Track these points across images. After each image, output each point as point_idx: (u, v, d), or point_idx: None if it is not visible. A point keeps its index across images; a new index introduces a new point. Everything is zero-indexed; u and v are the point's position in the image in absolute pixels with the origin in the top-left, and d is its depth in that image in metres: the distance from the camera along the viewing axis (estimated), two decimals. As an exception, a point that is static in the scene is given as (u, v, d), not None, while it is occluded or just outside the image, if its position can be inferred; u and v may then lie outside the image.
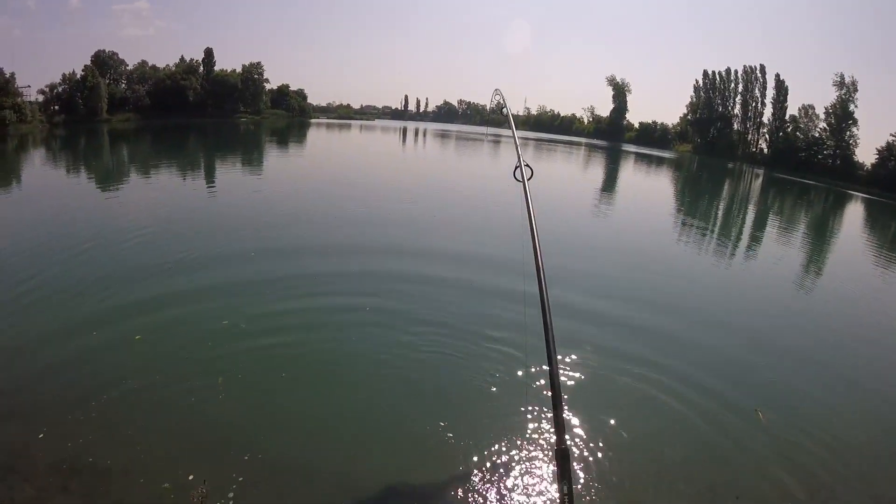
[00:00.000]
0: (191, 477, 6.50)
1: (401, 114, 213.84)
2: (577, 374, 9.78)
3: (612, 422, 8.49)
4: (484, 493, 6.71)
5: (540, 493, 6.75)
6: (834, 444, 8.49)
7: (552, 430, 3.28)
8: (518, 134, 5.94)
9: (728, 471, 7.68)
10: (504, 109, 6.26)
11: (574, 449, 7.59)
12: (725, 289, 17.37)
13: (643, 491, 6.94)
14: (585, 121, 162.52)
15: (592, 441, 7.81)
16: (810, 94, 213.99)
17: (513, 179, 4.62)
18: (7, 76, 68.32)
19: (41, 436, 7.10)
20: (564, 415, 3.26)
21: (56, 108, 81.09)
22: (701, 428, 8.64)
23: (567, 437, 3.18)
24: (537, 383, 9.26)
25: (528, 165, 4.11)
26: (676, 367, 10.53)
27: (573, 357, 10.33)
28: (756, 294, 16.91)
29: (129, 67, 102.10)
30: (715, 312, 14.33)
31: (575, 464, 7.26)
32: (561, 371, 9.46)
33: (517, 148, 4.74)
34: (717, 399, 9.49)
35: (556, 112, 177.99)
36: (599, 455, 7.52)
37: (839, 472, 7.88)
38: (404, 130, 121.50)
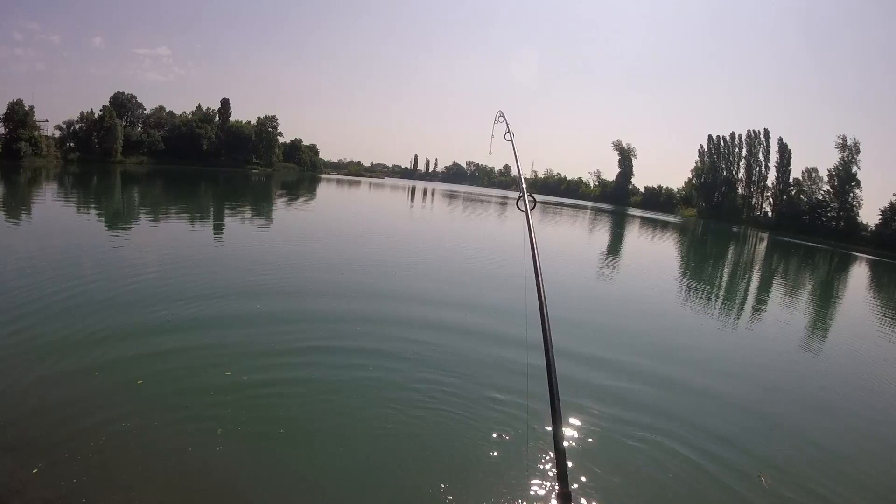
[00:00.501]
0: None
1: (410, 173, 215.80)
2: (579, 428, 9.78)
3: (612, 480, 8.40)
4: None
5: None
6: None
7: (555, 480, 3.40)
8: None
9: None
10: (507, 135, 6.16)
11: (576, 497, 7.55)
12: (730, 350, 17.30)
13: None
14: (591, 184, 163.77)
15: (593, 495, 7.83)
16: (813, 155, 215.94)
17: (516, 214, 4.70)
18: (27, 109, 69.51)
19: (35, 471, 7.10)
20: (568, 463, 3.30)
21: (71, 144, 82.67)
22: (702, 491, 8.58)
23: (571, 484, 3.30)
24: (540, 436, 9.19)
25: (531, 197, 4.28)
26: (679, 427, 10.48)
27: (575, 410, 10.32)
28: (761, 355, 16.86)
29: (147, 111, 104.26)
30: (719, 373, 14.20)
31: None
32: (563, 424, 9.57)
33: (521, 178, 4.87)
34: (719, 462, 9.40)
35: (562, 175, 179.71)
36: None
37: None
38: (413, 189, 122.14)
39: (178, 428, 8.60)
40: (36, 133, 70.91)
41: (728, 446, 10.02)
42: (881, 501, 9.01)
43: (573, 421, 10.08)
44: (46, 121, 78.79)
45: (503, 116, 6.42)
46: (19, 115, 68.27)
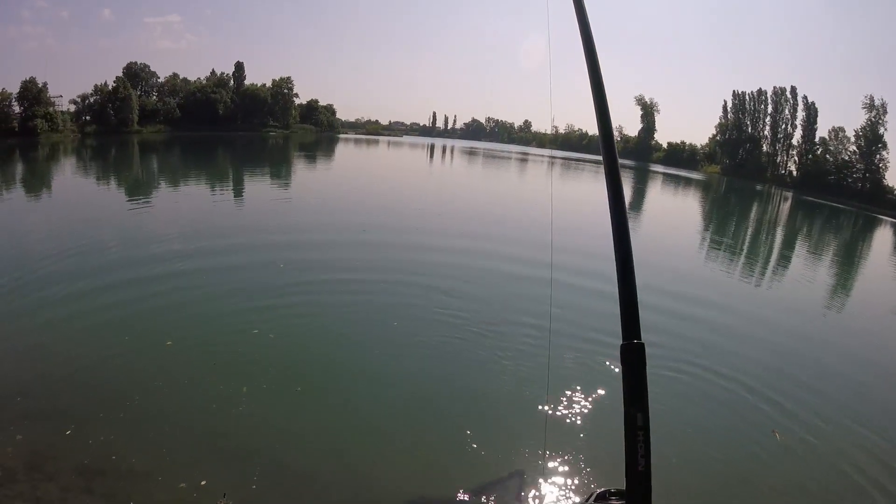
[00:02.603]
0: (204, 482, 6.59)
1: (429, 130, 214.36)
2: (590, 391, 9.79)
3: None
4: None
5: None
6: (850, 466, 8.46)
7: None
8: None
9: (746, 493, 7.66)
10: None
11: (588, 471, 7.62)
12: (751, 309, 17.19)
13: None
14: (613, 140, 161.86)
15: (611, 462, 7.70)
16: (840, 116, 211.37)
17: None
18: (40, 86, 69.56)
19: (68, 432, 7.25)
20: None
21: (87, 118, 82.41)
22: (717, 447, 8.68)
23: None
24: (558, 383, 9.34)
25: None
26: (693, 387, 10.61)
27: (583, 374, 10.42)
28: (780, 314, 16.80)
29: (161, 80, 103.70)
30: (737, 332, 14.22)
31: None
32: (567, 386, 9.60)
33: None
34: (736, 419, 9.54)
35: (584, 131, 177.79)
36: (619, 478, 7.41)
37: (847, 495, 7.86)
38: (432, 147, 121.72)
39: (206, 386, 8.79)
40: (51, 109, 70.89)
41: (744, 402, 10.16)
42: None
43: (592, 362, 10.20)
44: (61, 96, 78.64)
45: None
46: (33, 93, 68.29)
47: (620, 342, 2.50)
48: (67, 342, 9.90)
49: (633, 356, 2.43)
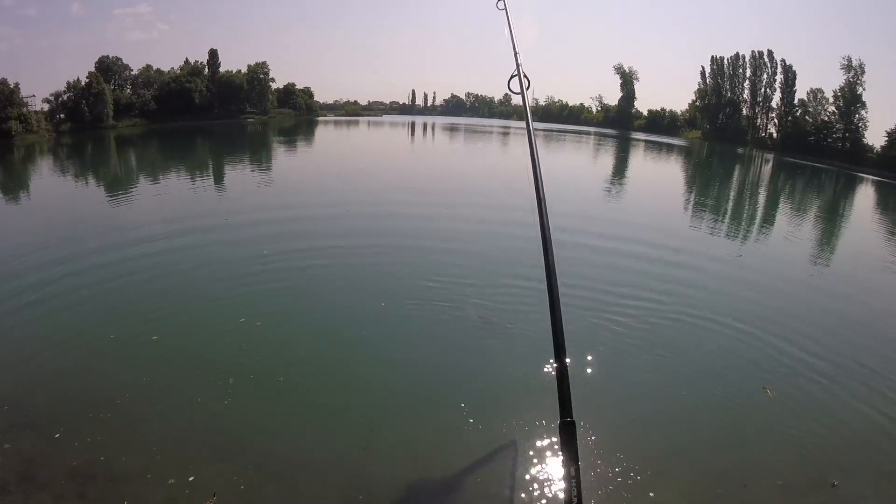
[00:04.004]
0: (192, 478, 6.58)
1: (409, 108, 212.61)
2: (586, 350, 9.98)
3: (621, 402, 8.67)
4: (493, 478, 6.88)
5: (547, 472, 6.90)
6: (841, 422, 8.56)
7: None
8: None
9: (736, 452, 7.71)
10: (499, 3, 5.69)
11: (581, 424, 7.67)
12: (735, 269, 17.33)
13: (650, 475, 6.92)
14: (594, 110, 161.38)
15: (599, 419, 7.88)
16: (818, 77, 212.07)
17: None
18: (11, 87, 68.46)
19: (57, 436, 7.20)
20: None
21: (62, 116, 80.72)
22: (709, 407, 8.80)
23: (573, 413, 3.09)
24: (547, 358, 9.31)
25: (526, 76, 3.83)
26: (685, 346, 10.83)
27: (581, 333, 10.61)
28: (765, 275, 16.88)
29: (134, 72, 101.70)
30: (723, 292, 14.38)
31: (580, 441, 7.33)
32: (568, 347, 9.62)
33: (516, 55, 4.45)
34: (725, 378, 9.62)
35: (564, 102, 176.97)
36: (606, 434, 7.60)
37: (846, 449, 7.95)
38: (412, 125, 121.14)
39: (193, 380, 8.79)
40: (24, 110, 69.58)
41: (732, 362, 10.33)
42: (886, 413, 9.00)
43: (578, 336, 10.15)
44: (33, 95, 76.68)
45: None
46: (5, 95, 66.93)
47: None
48: (49, 344, 9.77)
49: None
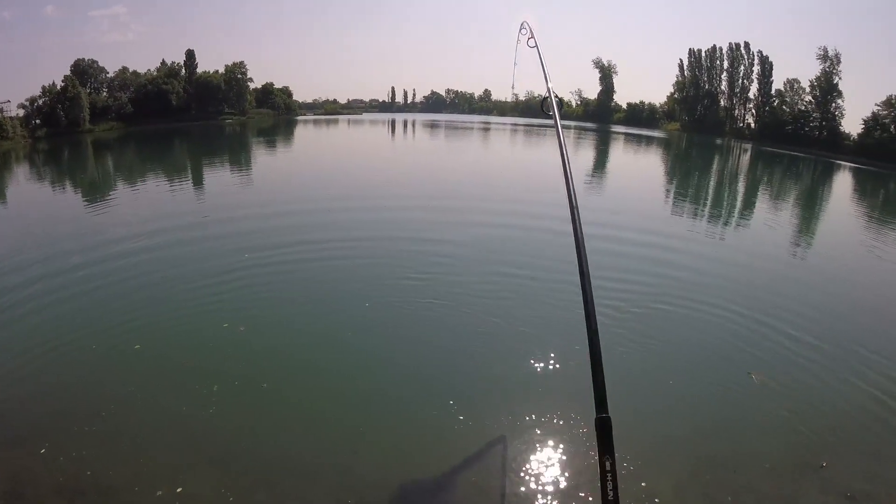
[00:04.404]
0: (180, 489, 6.50)
1: (388, 106, 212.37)
2: (574, 341, 9.83)
3: (609, 391, 8.62)
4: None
5: (537, 466, 6.93)
6: (829, 403, 8.68)
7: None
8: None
9: (726, 438, 7.76)
10: (530, 41, 5.71)
11: (572, 416, 7.84)
12: (718, 257, 17.60)
13: (641, 465, 6.92)
14: (574, 104, 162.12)
15: (589, 411, 7.81)
16: (795, 67, 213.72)
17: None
18: (-15, 93, 67.60)
19: (43, 451, 7.09)
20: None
21: (37, 121, 79.60)
22: (697, 394, 8.86)
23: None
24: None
25: (557, 97, 3.81)
26: (671, 334, 10.96)
27: (568, 324, 10.50)
28: (747, 261, 17.10)
29: (110, 75, 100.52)
30: (706, 280, 14.51)
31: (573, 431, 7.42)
32: (556, 338, 9.75)
33: (547, 80, 4.45)
34: (712, 365, 9.73)
35: (544, 96, 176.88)
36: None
37: (834, 429, 8.02)
38: (393, 122, 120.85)
39: (177, 388, 8.65)
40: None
41: (716, 349, 10.42)
42: (868, 393, 9.10)
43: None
44: (9, 101, 75.75)
45: (528, 27, 5.98)
46: (-22, 102, 66.17)
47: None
48: (30, 358, 9.59)
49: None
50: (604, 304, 11.84)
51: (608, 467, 2.17)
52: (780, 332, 11.14)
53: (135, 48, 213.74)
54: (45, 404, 8.28)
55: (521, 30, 6.08)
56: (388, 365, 9.54)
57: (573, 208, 2.93)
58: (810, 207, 32.22)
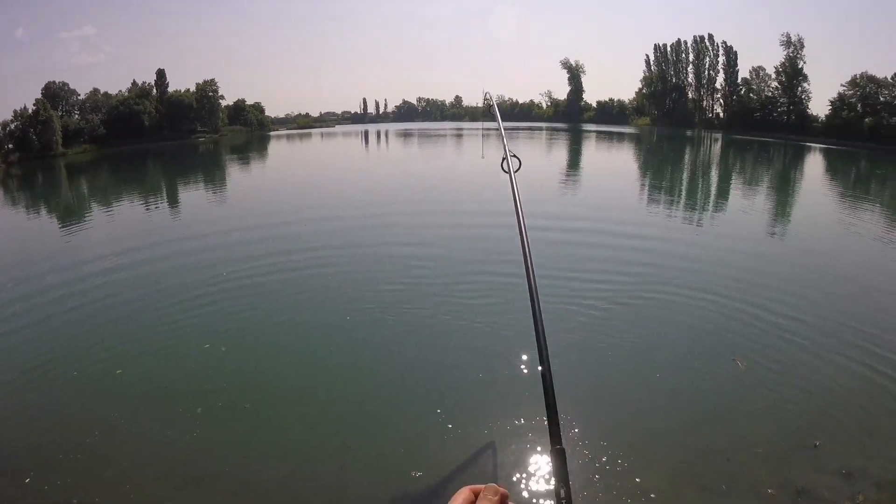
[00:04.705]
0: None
1: (361, 117, 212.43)
2: (561, 340, 10.10)
3: (599, 388, 8.74)
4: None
5: (527, 471, 6.89)
6: (817, 382, 8.76)
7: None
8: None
9: (716, 427, 7.77)
10: (492, 108, 6.01)
11: (563, 416, 7.70)
12: (695, 245, 17.76)
13: (634, 460, 6.95)
14: (544, 105, 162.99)
15: (579, 409, 7.97)
16: (759, 55, 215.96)
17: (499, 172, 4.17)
18: (-45, 119, 66.78)
19: (27, 480, 6.98)
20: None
21: (10, 146, 78.96)
22: (685, 384, 8.89)
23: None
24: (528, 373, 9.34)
25: (515, 156, 3.89)
26: (655, 325, 10.99)
27: (555, 322, 10.71)
28: (725, 247, 17.28)
29: (82, 97, 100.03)
30: (686, 268, 14.64)
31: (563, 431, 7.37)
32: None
33: (504, 140, 4.55)
34: (697, 353, 9.79)
35: (514, 100, 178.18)
36: (588, 424, 7.63)
37: (825, 408, 8.08)
38: (366, 133, 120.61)
39: (161, 412, 8.51)
40: (-30, 142, 67.99)
41: (700, 337, 10.51)
42: (854, 369, 9.18)
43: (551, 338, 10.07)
44: (-20, 126, 75.66)
45: (490, 95, 6.39)
46: (-48, 128, 65.35)
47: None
48: (12, 387, 9.49)
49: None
50: (585, 301, 11.98)
51: (563, 495, 2.13)
52: (762, 315, 11.23)
53: (105, 69, 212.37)
54: (28, 432, 8.18)
55: (484, 97, 6.46)
56: (371, 377, 9.45)
57: (521, 228, 2.87)
58: (784, 191, 32.57)
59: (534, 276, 2.54)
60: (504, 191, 3.53)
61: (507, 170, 3.72)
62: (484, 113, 5.99)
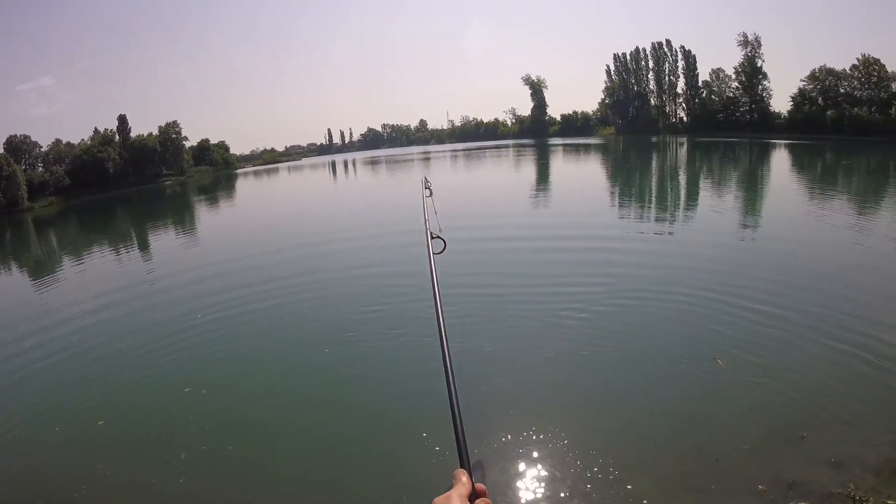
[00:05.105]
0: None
1: (327, 148, 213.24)
2: (545, 350, 10.14)
3: (585, 396, 8.71)
4: None
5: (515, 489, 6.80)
6: (801, 374, 8.73)
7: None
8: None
9: (702, 428, 7.71)
10: (428, 193, 5.92)
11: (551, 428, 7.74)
12: (669, 246, 18.02)
13: (624, 467, 6.87)
14: (509, 123, 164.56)
15: (567, 419, 7.92)
16: (718, 57, 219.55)
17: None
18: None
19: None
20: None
21: (-25, 204, 78.21)
22: (668, 387, 8.82)
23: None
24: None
25: (439, 237, 3.66)
26: (636, 329, 10.97)
27: (538, 332, 10.85)
28: (698, 246, 17.44)
29: (44, 148, 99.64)
30: (662, 270, 14.71)
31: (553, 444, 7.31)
32: (528, 347, 9.69)
33: (426, 222, 4.26)
34: (678, 356, 9.69)
35: (479, 120, 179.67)
36: (577, 433, 7.57)
37: (810, 399, 8.04)
38: (333, 164, 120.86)
39: (145, 460, 8.35)
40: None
41: (678, 338, 10.45)
42: (832, 362, 9.12)
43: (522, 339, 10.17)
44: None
45: (428, 181, 6.31)
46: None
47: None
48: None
49: None
50: (562, 311, 11.99)
51: None
52: (740, 312, 11.24)
53: (65, 118, 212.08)
54: (14, 491, 8.02)
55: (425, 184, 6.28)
56: (354, 408, 9.30)
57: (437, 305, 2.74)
58: (753, 188, 32.96)
59: (448, 351, 2.42)
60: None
61: (431, 251, 3.48)
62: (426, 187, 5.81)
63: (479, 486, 1.61)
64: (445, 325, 2.49)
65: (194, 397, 10.17)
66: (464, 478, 1.61)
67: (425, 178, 6.30)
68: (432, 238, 3.63)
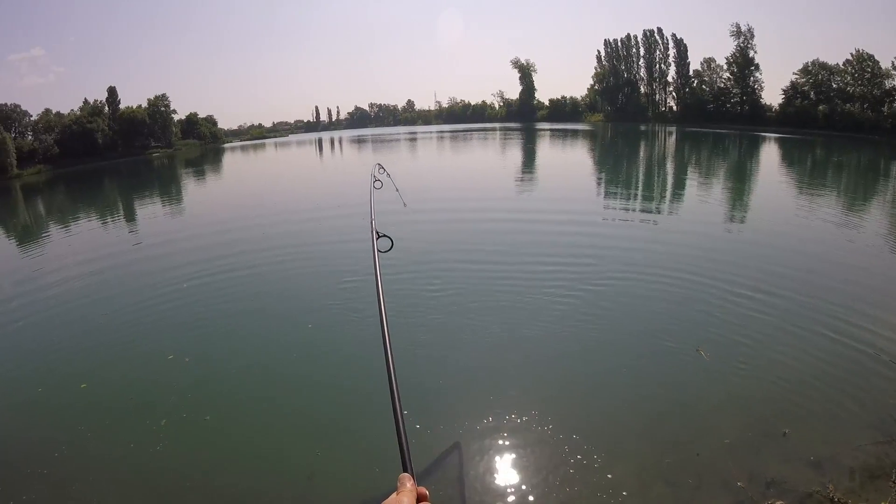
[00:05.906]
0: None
1: (314, 125, 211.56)
2: (529, 335, 10.19)
3: (567, 384, 8.75)
4: None
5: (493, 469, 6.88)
6: (785, 370, 8.76)
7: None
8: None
9: (684, 420, 7.76)
10: (376, 183, 5.63)
11: (534, 415, 7.80)
12: (656, 235, 18.17)
13: (605, 456, 6.91)
14: (497, 106, 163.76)
15: (549, 407, 7.97)
16: (710, 47, 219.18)
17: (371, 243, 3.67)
18: None
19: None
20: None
21: (-35, 171, 77.37)
22: (650, 377, 8.88)
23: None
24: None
25: (386, 236, 3.59)
26: (619, 318, 11.07)
27: (522, 317, 10.87)
28: (684, 235, 17.62)
29: (34, 118, 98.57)
30: (648, 258, 14.75)
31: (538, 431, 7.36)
32: (511, 333, 9.74)
33: (372, 220, 4.17)
34: (661, 346, 9.77)
35: (466, 102, 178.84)
36: (558, 421, 7.62)
37: (792, 396, 8.08)
38: (320, 141, 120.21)
39: (126, 425, 8.38)
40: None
41: (662, 329, 10.43)
42: (814, 352, 9.27)
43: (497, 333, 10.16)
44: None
45: (382, 169, 6.34)
46: None
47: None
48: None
49: None
50: (544, 296, 12.10)
51: None
52: (725, 304, 11.32)
53: (56, 89, 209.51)
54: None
55: (378, 171, 6.16)
56: (335, 384, 9.33)
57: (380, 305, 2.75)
58: (741, 180, 33.05)
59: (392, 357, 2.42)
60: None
61: (381, 249, 3.43)
62: (376, 180, 5.61)
63: (422, 489, 1.62)
64: (390, 331, 2.49)
65: (177, 365, 10.21)
66: (409, 483, 1.61)
67: (377, 167, 6.22)
68: (378, 237, 3.57)
